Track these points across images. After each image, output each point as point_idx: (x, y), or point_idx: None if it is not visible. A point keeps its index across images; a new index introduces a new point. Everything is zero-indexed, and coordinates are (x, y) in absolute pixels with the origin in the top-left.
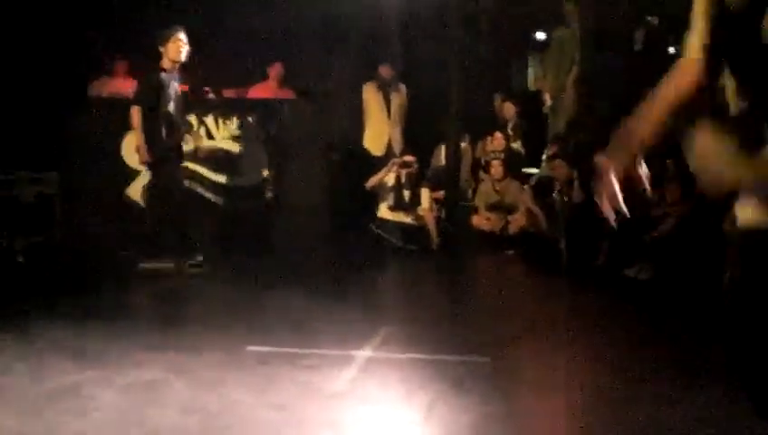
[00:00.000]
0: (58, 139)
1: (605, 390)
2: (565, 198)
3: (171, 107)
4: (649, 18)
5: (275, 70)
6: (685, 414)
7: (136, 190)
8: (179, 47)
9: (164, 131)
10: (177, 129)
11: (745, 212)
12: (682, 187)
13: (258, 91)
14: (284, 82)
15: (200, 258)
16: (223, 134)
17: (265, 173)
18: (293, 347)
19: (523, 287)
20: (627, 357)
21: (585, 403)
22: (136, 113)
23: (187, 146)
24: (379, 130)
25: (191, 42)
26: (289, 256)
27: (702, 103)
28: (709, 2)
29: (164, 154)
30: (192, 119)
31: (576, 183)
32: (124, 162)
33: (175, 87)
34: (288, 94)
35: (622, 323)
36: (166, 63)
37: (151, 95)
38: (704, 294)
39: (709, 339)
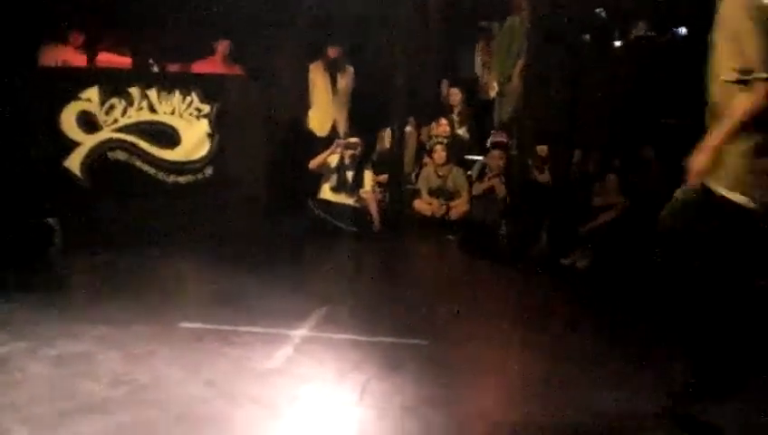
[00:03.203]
0: None
1: (541, 375)
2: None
3: None
4: (598, 10)
5: (222, 46)
6: (620, 399)
7: (75, 162)
8: None
9: None
10: None
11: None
12: (621, 179)
13: (203, 66)
14: (231, 58)
15: None
16: (165, 108)
17: (207, 149)
18: (228, 325)
19: (462, 272)
20: (563, 343)
21: (521, 388)
22: None
23: (128, 119)
24: (325, 111)
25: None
26: (228, 233)
27: None
28: None
29: None
30: (135, 91)
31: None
32: (64, 133)
33: None
34: (234, 71)
35: (560, 309)
36: None
37: None
38: (640, 284)
39: (644, 326)
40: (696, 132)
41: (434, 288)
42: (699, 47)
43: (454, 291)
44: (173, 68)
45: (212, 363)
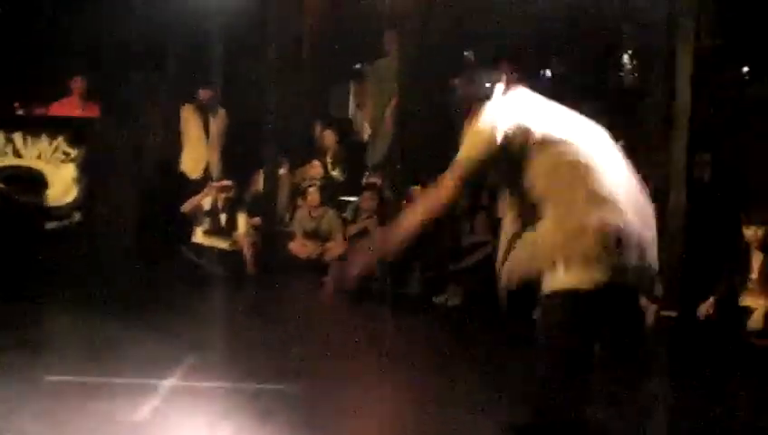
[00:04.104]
0: None
1: (412, 416)
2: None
3: None
4: (467, 53)
5: (77, 84)
6: None
7: None
8: None
9: None
10: None
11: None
12: (489, 216)
13: (61, 108)
14: (88, 97)
15: None
16: (31, 153)
17: (75, 194)
18: (95, 376)
19: (335, 315)
20: (435, 383)
21: (393, 430)
22: None
23: None
24: (197, 153)
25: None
26: (96, 281)
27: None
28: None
29: None
30: None
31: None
32: None
33: None
34: (92, 110)
35: (432, 348)
36: None
37: None
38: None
39: (515, 364)
40: None
41: (307, 332)
42: (562, 89)
43: (326, 334)
44: (40, 111)
45: (77, 418)
